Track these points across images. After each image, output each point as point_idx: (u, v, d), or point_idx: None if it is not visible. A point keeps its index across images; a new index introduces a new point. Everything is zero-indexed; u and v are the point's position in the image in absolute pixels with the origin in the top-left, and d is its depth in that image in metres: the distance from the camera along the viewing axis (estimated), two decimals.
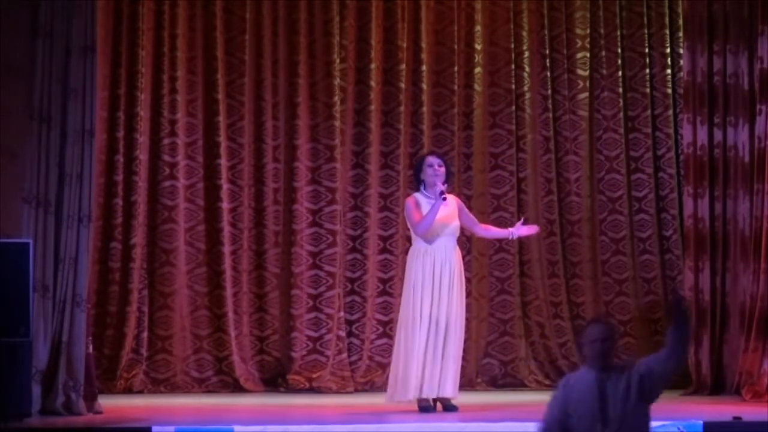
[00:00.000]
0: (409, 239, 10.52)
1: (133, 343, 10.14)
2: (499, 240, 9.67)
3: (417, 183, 8.68)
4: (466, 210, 8.77)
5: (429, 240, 8.41)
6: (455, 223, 8.50)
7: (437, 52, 10.69)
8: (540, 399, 9.31)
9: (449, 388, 8.33)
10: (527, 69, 10.73)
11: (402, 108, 10.57)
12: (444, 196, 8.37)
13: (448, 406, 8.35)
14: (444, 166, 8.58)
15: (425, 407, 8.32)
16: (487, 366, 10.51)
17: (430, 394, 8.31)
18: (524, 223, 8.81)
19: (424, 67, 10.60)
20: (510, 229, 8.74)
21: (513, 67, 10.70)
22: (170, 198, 10.29)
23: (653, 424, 7.13)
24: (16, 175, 8.26)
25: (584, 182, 10.74)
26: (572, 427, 5.29)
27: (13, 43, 8.34)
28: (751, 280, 9.35)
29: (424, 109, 10.61)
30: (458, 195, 10.57)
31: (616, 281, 10.66)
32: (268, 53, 10.47)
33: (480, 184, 10.64)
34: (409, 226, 8.65)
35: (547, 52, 10.74)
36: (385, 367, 10.44)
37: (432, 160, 8.59)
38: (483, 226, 8.90)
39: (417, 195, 8.59)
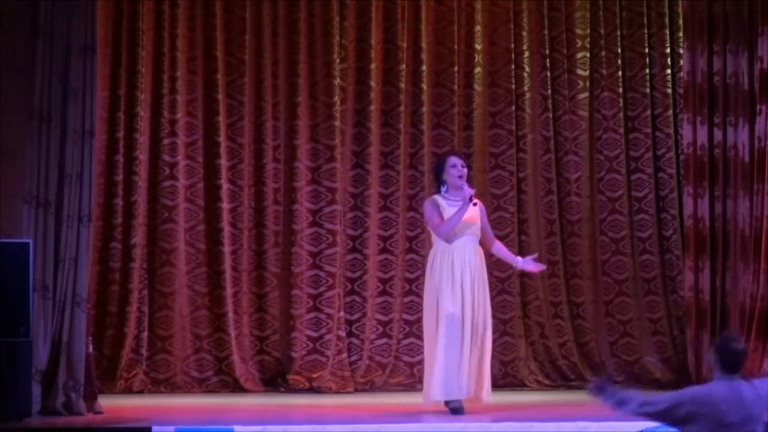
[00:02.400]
0: (409, 239, 10.57)
1: (133, 343, 10.13)
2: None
3: (438, 184, 8.54)
4: (487, 221, 8.65)
5: (449, 239, 8.31)
6: (477, 224, 8.40)
7: (437, 52, 10.69)
8: (540, 399, 9.35)
9: (483, 390, 8.24)
10: (527, 69, 10.74)
11: (402, 108, 10.58)
12: (474, 201, 8.27)
13: (456, 409, 8.21)
14: (466, 167, 8.51)
15: (456, 408, 8.24)
16: None
17: (460, 395, 8.21)
18: (535, 259, 8.66)
19: (424, 67, 10.60)
20: (518, 258, 8.62)
21: (513, 67, 10.70)
22: (170, 198, 10.29)
23: (652, 423, 7.14)
24: (16, 175, 8.26)
25: (584, 182, 10.75)
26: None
27: (13, 43, 8.34)
28: (751, 280, 9.36)
29: (424, 109, 10.61)
30: None
31: (616, 281, 10.66)
32: (268, 53, 10.47)
33: (480, 184, 10.63)
34: (429, 228, 8.56)
35: (547, 52, 10.74)
36: (385, 367, 10.46)
37: (455, 160, 8.45)
38: (497, 243, 8.75)
39: (437, 197, 8.46)
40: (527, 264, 8.56)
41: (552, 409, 8.59)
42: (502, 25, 10.72)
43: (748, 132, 9.53)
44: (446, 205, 8.36)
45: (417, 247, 10.58)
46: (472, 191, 8.30)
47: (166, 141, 10.29)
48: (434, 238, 8.45)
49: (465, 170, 8.43)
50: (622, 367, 10.55)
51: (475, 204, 8.28)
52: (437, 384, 8.18)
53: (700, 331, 9.69)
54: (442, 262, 8.29)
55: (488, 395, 8.35)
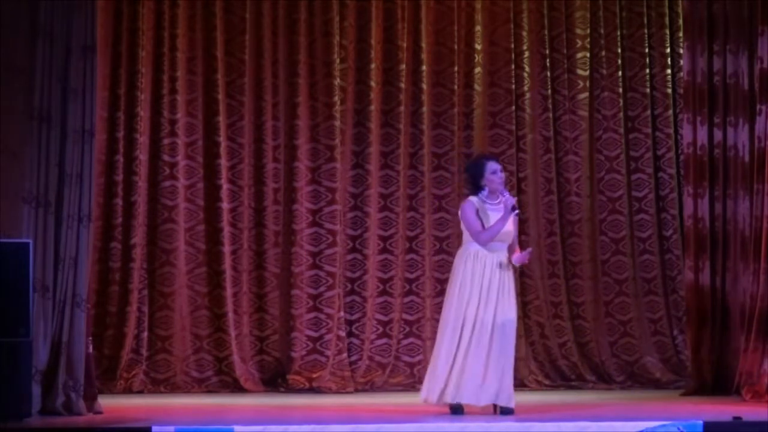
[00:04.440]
0: (409, 239, 10.57)
1: (133, 343, 10.14)
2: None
3: (475, 188, 8.27)
4: (516, 230, 8.41)
5: (489, 246, 8.15)
6: (512, 232, 8.25)
7: (437, 52, 10.69)
8: (540, 399, 9.35)
9: (503, 395, 8.10)
10: (527, 69, 10.74)
11: (402, 108, 10.58)
12: (517, 211, 8.17)
13: (505, 409, 8.11)
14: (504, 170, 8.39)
15: (456, 408, 8.22)
16: None
17: (458, 399, 8.10)
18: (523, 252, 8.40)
19: (424, 67, 10.60)
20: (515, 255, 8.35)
21: (513, 67, 10.71)
22: (170, 198, 10.29)
23: (652, 424, 7.16)
24: (16, 175, 8.25)
25: (584, 182, 10.75)
26: None
27: (13, 43, 8.32)
28: (751, 280, 9.35)
29: (424, 109, 10.61)
30: (458, 195, 10.60)
31: (616, 281, 10.67)
32: (268, 53, 10.48)
33: None
34: (466, 230, 8.25)
35: (547, 52, 10.75)
36: (384, 367, 10.46)
37: (495, 166, 8.25)
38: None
39: (474, 199, 8.24)
40: (518, 260, 8.34)
41: (552, 409, 8.58)
42: (502, 25, 10.72)
43: (748, 132, 9.52)
44: (487, 209, 8.20)
45: (417, 247, 10.59)
46: (514, 200, 8.17)
47: (166, 141, 10.29)
48: (466, 239, 8.26)
49: (504, 174, 8.29)
50: (622, 367, 10.55)
51: (517, 214, 8.21)
52: (430, 384, 8.14)
53: (700, 331, 9.69)
54: (474, 266, 8.15)
55: (510, 400, 8.17)
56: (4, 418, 7.71)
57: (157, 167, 10.29)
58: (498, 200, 8.23)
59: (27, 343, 7.93)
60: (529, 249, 8.46)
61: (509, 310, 8.18)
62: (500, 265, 8.18)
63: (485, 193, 8.25)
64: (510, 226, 8.21)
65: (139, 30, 10.21)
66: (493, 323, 8.08)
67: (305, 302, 10.40)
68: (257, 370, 10.37)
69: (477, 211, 8.20)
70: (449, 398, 8.12)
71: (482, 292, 8.11)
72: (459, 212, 8.38)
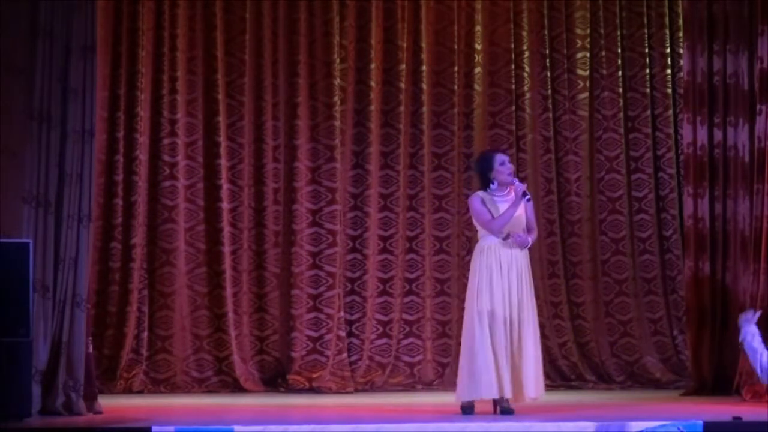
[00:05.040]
0: (409, 239, 10.58)
1: (133, 343, 10.14)
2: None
3: (485, 182, 8.31)
4: (533, 214, 8.43)
5: (499, 236, 8.16)
6: (525, 220, 8.29)
7: (437, 52, 10.69)
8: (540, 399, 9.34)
9: (530, 389, 8.10)
10: (527, 69, 10.74)
11: (402, 108, 10.58)
12: (528, 197, 8.20)
13: (505, 409, 8.12)
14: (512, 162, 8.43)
15: (465, 407, 8.23)
16: None
17: (504, 393, 8.08)
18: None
19: (424, 67, 10.60)
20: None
21: (513, 67, 10.71)
22: (170, 198, 10.29)
23: (652, 424, 7.17)
24: (16, 175, 8.25)
25: (584, 182, 10.75)
26: None
27: (13, 43, 8.33)
28: (751, 281, 9.35)
29: (424, 109, 10.61)
30: (458, 195, 10.60)
31: (616, 281, 10.67)
32: (268, 53, 10.48)
33: None
34: (478, 225, 8.30)
35: (547, 52, 10.75)
36: (384, 367, 10.45)
37: (503, 157, 8.32)
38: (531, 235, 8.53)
39: (481, 193, 8.28)
40: (517, 237, 8.28)
41: (552, 409, 8.58)
42: (502, 25, 10.73)
43: (748, 132, 9.52)
44: (495, 201, 8.24)
45: (417, 247, 10.59)
46: (524, 186, 8.22)
47: (166, 141, 10.29)
48: (480, 234, 8.29)
49: (512, 166, 8.37)
50: (622, 367, 10.55)
51: (529, 200, 8.23)
52: (470, 383, 8.10)
53: (700, 331, 9.69)
54: (489, 259, 8.16)
55: (540, 393, 8.21)
56: (4, 418, 7.71)
57: (157, 167, 10.29)
58: (506, 191, 8.26)
59: (27, 343, 7.93)
60: (534, 234, 8.44)
61: (530, 301, 8.19)
62: (507, 243, 8.18)
63: (494, 186, 8.28)
64: (521, 211, 8.24)
65: (139, 30, 10.21)
66: (518, 319, 8.08)
67: (305, 302, 10.41)
68: (257, 370, 10.37)
69: (484, 202, 8.23)
70: (502, 393, 8.06)
71: (503, 285, 8.11)
72: (469, 208, 8.41)
